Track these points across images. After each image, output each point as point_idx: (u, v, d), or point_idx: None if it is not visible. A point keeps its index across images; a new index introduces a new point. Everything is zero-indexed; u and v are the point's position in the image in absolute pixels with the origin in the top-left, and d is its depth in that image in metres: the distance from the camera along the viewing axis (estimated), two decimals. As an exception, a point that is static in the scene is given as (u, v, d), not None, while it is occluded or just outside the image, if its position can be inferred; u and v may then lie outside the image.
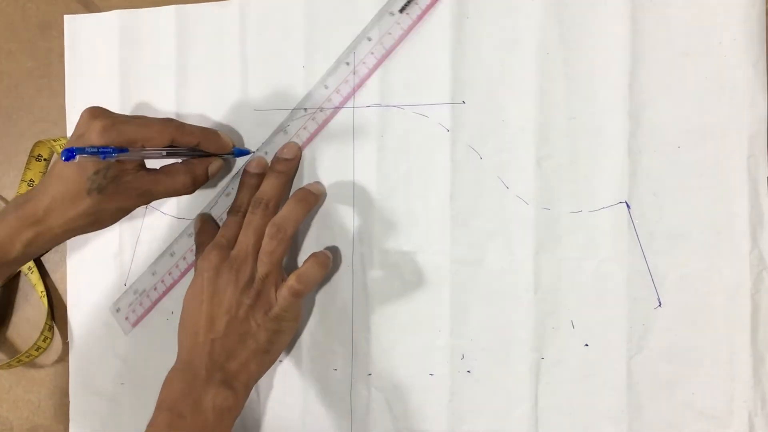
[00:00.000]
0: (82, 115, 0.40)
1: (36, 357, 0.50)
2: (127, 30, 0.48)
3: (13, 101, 0.52)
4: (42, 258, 0.51)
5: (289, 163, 0.44)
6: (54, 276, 0.51)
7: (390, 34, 0.42)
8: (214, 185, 0.46)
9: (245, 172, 0.45)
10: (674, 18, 0.38)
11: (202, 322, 0.41)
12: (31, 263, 0.50)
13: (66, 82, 0.50)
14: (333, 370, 0.44)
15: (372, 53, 0.42)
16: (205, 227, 0.45)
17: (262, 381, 0.45)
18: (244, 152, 0.45)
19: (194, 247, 0.46)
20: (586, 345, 0.40)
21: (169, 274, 0.47)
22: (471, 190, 0.41)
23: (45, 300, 0.50)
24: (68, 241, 0.50)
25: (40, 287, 0.50)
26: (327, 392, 0.44)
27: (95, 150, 0.37)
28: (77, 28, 0.49)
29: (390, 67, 0.43)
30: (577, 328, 0.40)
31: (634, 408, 0.39)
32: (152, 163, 0.42)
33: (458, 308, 0.42)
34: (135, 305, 0.48)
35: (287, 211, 0.42)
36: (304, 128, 0.44)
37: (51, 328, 0.50)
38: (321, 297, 0.45)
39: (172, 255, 0.47)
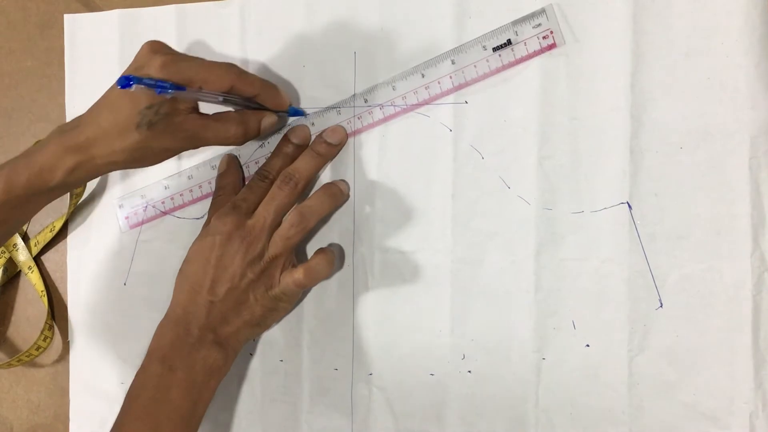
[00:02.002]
0: (142, 48, 0.38)
1: (36, 356, 0.50)
2: (127, 29, 0.48)
3: (13, 101, 0.52)
4: (42, 258, 0.51)
5: (331, 148, 0.43)
6: (54, 276, 0.51)
7: (475, 67, 0.41)
8: (262, 140, 0.45)
9: (285, 138, 0.44)
10: (676, 18, 0.38)
11: (205, 283, 0.41)
12: (31, 263, 0.50)
13: (66, 81, 0.50)
14: (334, 370, 0.44)
15: (450, 77, 0.41)
16: (230, 171, 0.45)
17: (263, 380, 0.45)
18: (299, 112, 0.44)
19: (213, 182, 0.45)
20: (587, 345, 0.40)
21: (181, 195, 0.47)
22: (472, 190, 0.41)
23: (45, 299, 0.50)
24: (68, 241, 0.50)
25: (40, 287, 0.50)
26: (328, 392, 0.44)
27: (153, 83, 0.35)
28: (77, 27, 0.49)
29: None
30: (578, 329, 0.40)
31: (635, 408, 0.39)
32: (205, 108, 0.41)
33: (459, 308, 0.42)
34: (138, 209, 0.48)
35: (315, 202, 0.42)
36: (358, 118, 0.43)
37: (51, 328, 0.50)
38: (322, 296, 0.44)
39: (189, 178, 0.47)
